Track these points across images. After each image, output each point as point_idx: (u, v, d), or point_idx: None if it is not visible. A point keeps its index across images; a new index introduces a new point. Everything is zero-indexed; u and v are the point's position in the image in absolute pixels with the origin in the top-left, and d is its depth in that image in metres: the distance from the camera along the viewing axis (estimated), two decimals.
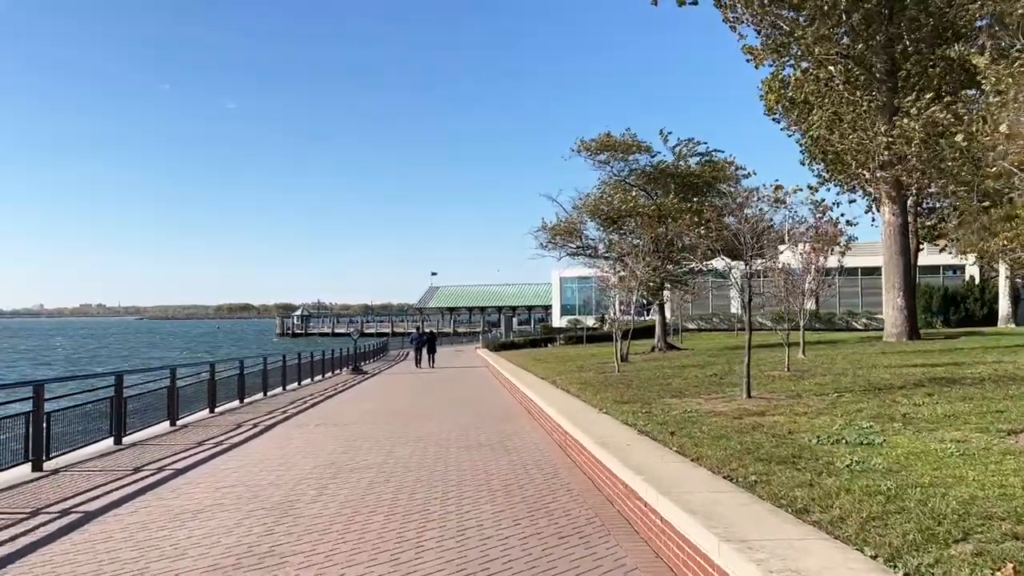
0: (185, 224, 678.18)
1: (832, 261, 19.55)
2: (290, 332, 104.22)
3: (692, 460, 6.78)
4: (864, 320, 52.42)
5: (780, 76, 27.02)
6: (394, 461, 9.07)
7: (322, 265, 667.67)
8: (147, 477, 8.39)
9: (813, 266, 16.89)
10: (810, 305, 53.62)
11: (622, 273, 22.28)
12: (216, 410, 15.40)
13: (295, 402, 17.31)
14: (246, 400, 17.69)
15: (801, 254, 16.82)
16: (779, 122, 28.06)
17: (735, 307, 54.15)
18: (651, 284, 24.14)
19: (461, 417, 13.54)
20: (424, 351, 32.48)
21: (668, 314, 32.85)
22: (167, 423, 12.82)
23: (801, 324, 18.70)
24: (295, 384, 22.96)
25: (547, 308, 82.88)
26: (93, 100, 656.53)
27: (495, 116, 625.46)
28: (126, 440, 11.03)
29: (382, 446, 10.25)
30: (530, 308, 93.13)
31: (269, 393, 19.79)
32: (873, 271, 50.53)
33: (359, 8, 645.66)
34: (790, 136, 28.89)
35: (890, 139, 19.57)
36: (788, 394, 11.59)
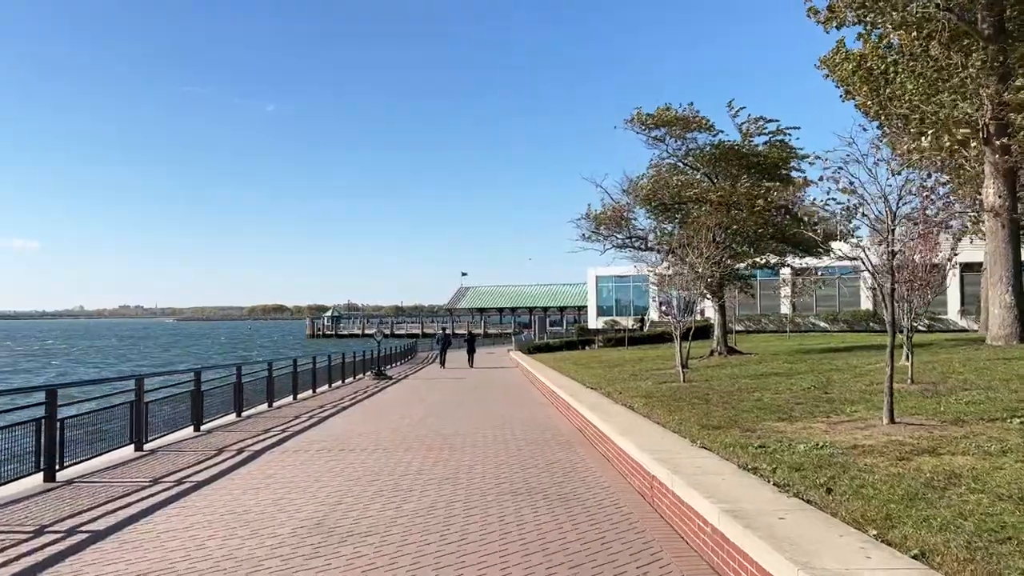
0: (220, 224, 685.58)
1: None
2: (320, 333, 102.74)
3: (917, 557, 3.90)
4: (927, 320, 48.57)
5: (844, 49, 23.93)
6: (407, 519, 6.29)
7: (355, 267, 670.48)
8: (48, 546, 5.72)
9: (928, 256, 13.83)
10: (868, 304, 50.13)
11: (679, 269, 19.36)
12: (205, 426, 12.79)
13: (301, 416, 14.65)
14: (245, 413, 15.08)
15: (912, 243, 13.70)
16: (854, 96, 24.81)
17: (785, 307, 50.75)
18: (710, 280, 21.14)
19: (499, 441, 10.74)
20: (448, 353, 35.46)
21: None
22: (131, 447, 10.20)
23: (907, 326, 15.56)
24: (309, 392, 20.35)
25: (580, 309, 79.89)
26: (114, 103, 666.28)
27: (525, 119, 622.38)
28: (62, 475, 8.41)
29: (394, 490, 7.48)
30: (562, 309, 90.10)
31: (276, 404, 17.18)
32: (934, 267, 46.76)
33: (397, 11, 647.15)
34: (867, 116, 25.57)
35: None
36: (941, 418, 8.61)
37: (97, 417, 9.56)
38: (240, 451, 10.22)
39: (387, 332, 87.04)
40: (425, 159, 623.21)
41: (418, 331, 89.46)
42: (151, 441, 10.69)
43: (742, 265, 23.44)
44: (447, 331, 42.73)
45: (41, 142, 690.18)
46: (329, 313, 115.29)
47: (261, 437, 11.61)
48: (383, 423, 13.24)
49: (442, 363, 33.58)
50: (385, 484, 7.78)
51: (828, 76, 26.31)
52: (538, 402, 16.71)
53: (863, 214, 8.44)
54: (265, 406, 16.54)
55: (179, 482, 8.11)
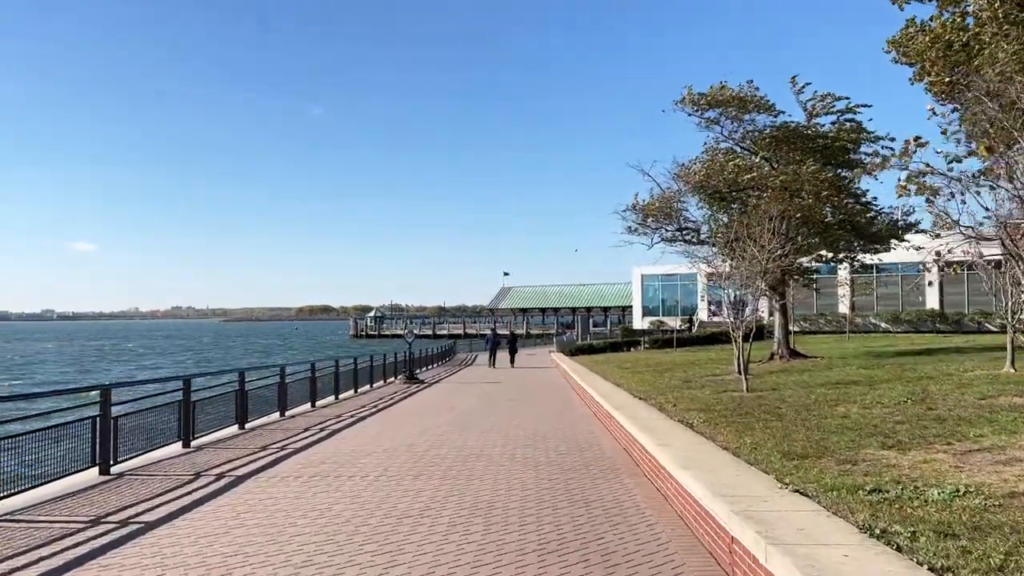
0: (269, 227, 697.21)
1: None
2: (364, 333, 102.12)
3: None
4: (999, 322, 45.27)
5: (916, 23, 21.52)
6: None
7: (401, 268, 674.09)
8: None
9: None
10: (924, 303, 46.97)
11: (737, 264, 17.35)
12: (197, 441, 11.27)
13: (312, 428, 13.06)
14: (252, 424, 13.57)
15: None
16: (928, 73, 22.38)
17: (844, 307, 47.89)
18: (771, 276, 19.02)
19: (530, 466, 8.94)
20: (497, 352, 35.53)
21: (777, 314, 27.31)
22: (94, 470, 8.67)
23: (1010, 326, 13.37)
24: (331, 398, 18.83)
25: (624, 309, 77.68)
26: (155, 111, 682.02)
27: (568, 120, 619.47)
28: None
29: (384, 543, 5.73)
30: (606, 309, 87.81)
31: (290, 412, 15.65)
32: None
33: (435, 13, 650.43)
34: (939, 98, 23.09)
35: None
36: None
37: (51, 435, 8.03)
38: (220, 476, 8.61)
39: (429, 332, 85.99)
40: (474, 162, 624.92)
41: (460, 331, 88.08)
42: (122, 462, 9.16)
43: (806, 259, 21.20)
44: (494, 331, 41.23)
45: (94, 147, 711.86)
46: (372, 313, 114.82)
47: (254, 457, 10.01)
48: (399, 438, 11.55)
49: (491, 363, 34.23)
50: (377, 531, 6.05)
51: (897, 60, 23.90)
52: (579, 413, 14.86)
53: (1016, 182, 6.45)
54: (277, 415, 15.02)
55: (123, 523, 6.48)
